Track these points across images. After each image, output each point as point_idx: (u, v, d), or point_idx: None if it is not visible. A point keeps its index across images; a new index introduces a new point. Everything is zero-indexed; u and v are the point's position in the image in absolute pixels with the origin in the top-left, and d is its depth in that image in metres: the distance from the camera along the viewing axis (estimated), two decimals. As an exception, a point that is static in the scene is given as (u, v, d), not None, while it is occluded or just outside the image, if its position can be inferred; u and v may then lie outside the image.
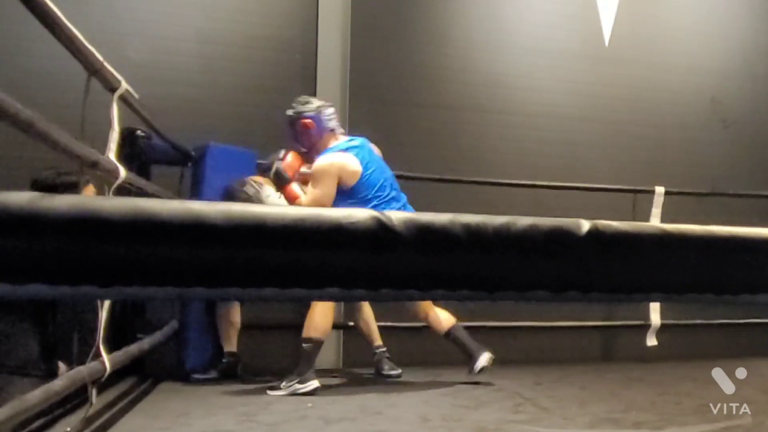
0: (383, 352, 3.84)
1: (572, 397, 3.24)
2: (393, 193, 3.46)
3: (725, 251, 0.63)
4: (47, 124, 1.79)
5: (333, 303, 3.46)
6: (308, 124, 3.45)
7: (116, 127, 2.46)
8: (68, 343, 2.46)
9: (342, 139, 3.50)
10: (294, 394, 3.21)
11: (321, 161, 3.38)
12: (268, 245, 0.63)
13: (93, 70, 2.28)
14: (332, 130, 3.50)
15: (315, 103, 3.53)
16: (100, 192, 2.77)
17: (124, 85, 2.55)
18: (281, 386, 3.26)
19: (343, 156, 3.39)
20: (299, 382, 3.25)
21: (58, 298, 2.32)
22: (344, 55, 4.59)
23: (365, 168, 3.38)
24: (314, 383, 3.26)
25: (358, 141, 3.50)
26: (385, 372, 3.78)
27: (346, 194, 3.34)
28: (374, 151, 3.54)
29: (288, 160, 3.51)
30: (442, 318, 3.56)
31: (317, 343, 3.37)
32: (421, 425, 2.62)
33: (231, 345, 3.71)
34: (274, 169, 3.48)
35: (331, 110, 3.54)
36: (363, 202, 3.34)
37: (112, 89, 2.49)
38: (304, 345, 3.35)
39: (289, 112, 3.53)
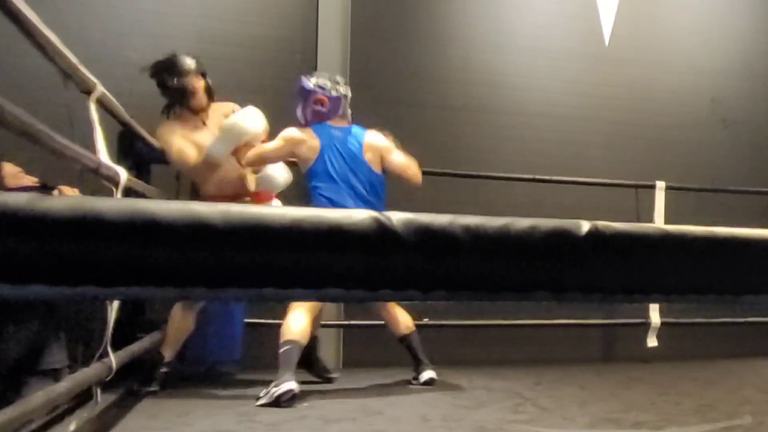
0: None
1: (572, 397, 3.24)
2: (343, 193, 3.38)
3: (726, 252, 0.63)
4: (48, 131, 1.77)
5: (311, 305, 3.29)
6: (323, 100, 3.50)
7: (99, 129, 2.42)
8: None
9: (336, 124, 3.51)
10: (272, 399, 2.93)
11: (288, 129, 3.47)
12: (267, 245, 0.63)
13: (68, 73, 2.22)
14: (341, 116, 3.54)
15: (342, 88, 3.57)
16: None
17: (100, 88, 2.48)
18: (261, 395, 3.01)
19: (308, 134, 3.44)
20: (275, 386, 2.98)
21: (58, 298, 2.32)
22: (344, 55, 4.59)
23: (319, 158, 3.39)
24: (290, 384, 2.96)
25: (342, 133, 3.49)
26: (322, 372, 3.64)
27: (307, 177, 3.42)
28: (362, 151, 3.48)
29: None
30: (401, 320, 3.53)
31: (295, 345, 3.12)
32: (421, 425, 2.62)
33: (174, 352, 3.35)
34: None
35: (349, 97, 3.60)
36: (311, 190, 3.41)
37: (88, 92, 2.42)
38: (281, 350, 3.13)
39: (309, 83, 3.53)
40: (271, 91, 4.44)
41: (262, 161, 3.47)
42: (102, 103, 2.56)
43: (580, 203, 4.83)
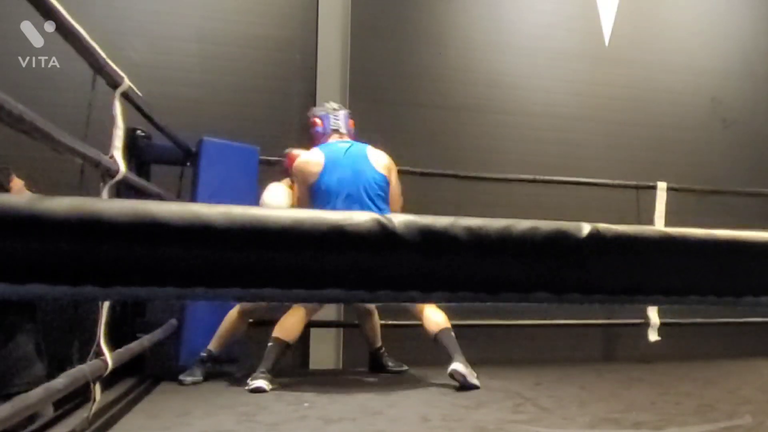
0: (384, 351, 3.97)
1: (572, 397, 3.24)
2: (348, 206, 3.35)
3: (727, 254, 0.63)
4: (49, 125, 1.79)
5: (307, 310, 3.45)
6: (315, 122, 3.63)
7: (120, 124, 2.47)
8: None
9: (334, 140, 3.56)
10: (247, 389, 3.19)
11: (294, 165, 3.55)
12: (268, 246, 0.63)
13: (98, 67, 2.30)
14: (335, 131, 3.59)
15: (332, 105, 3.71)
16: (30, 187, 2.76)
17: (127, 82, 2.56)
18: (248, 380, 3.25)
19: (308, 155, 3.49)
20: (251, 379, 3.24)
21: (58, 298, 2.29)
22: (344, 55, 4.59)
23: (324, 171, 3.38)
24: (261, 383, 3.19)
25: (346, 144, 3.52)
26: (392, 367, 3.92)
27: (311, 196, 3.41)
28: (366, 157, 3.48)
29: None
30: (431, 319, 3.45)
31: (281, 344, 3.36)
32: (421, 425, 2.62)
33: (220, 347, 3.61)
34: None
35: (342, 113, 3.66)
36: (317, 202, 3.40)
37: (115, 86, 2.50)
38: (269, 343, 3.37)
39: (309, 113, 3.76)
40: (271, 91, 4.44)
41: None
42: (128, 97, 2.63)
43: (580, 204, 4.83)
